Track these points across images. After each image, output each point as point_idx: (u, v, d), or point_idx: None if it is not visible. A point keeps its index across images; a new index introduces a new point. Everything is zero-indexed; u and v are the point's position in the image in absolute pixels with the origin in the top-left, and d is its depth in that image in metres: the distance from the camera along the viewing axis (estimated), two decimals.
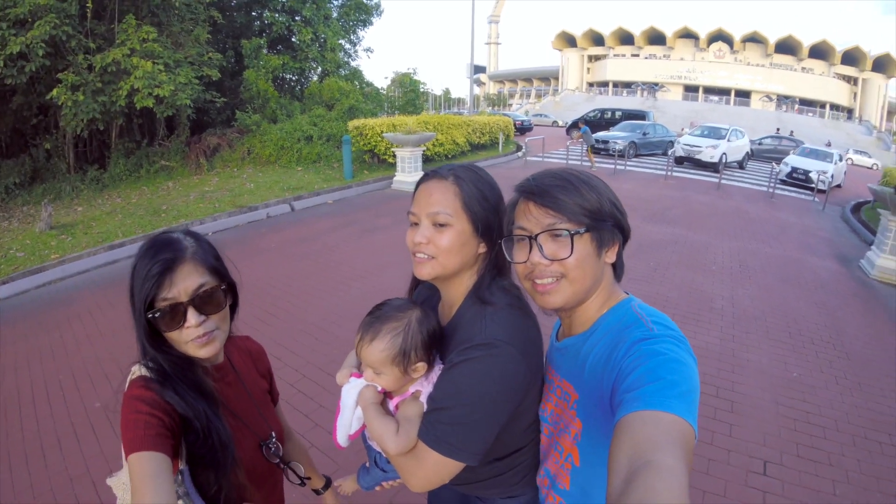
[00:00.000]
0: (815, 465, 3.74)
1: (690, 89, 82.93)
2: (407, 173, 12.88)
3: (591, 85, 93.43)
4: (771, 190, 15.70)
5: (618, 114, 29.52)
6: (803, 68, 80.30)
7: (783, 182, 17.76)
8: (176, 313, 1.18)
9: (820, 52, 79.45)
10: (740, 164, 21.51)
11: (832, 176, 16.83)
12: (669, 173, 17.43)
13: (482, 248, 1.32)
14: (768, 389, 4.69)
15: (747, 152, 22.43)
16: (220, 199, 10.28)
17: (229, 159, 14.67)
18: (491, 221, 1.30)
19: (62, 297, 6.36)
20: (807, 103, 77.77)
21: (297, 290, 6.30)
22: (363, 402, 1.29)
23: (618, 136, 20.94)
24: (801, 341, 5.74)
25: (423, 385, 1.28)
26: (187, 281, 1.19)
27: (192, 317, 1.19)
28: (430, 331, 1.29)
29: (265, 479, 1.46)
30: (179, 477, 1.16)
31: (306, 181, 12.47)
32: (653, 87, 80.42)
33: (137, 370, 1.23)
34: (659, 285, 6.98)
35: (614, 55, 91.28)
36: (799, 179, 17.67)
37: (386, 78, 62.98)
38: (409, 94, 20.37)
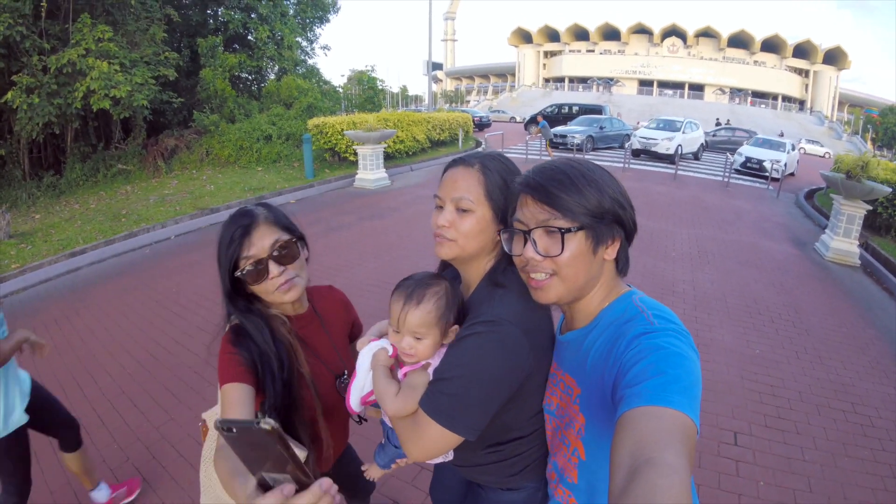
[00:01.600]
0: (784, 434, 3.89)
1: (645, 83, 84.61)
2: (368, 171, 12.78)
3: (547, 81, 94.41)
4: (726, 179, 16.12)
5: (575, 109, 29.93)
6: (756, 62, 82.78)
7: (738, 171, 18.22)
8: (259, 268, 1.41)
9: (772, 45, 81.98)
10: (695, 156, 21.99)
11: (785, 165, 17.33)
12: (627, 165, 17.72)
13: None
14: (734, 366, 4.83)
15: (702, 144, 22.97)
16: (181, 202, 10.05)
17: (188, 161, 14.35)
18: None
19: (25, 308, 6.03)
20: (759, 95, 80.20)
21: None
22: (375, 362, 1.32)
23: (575, 131, 21.24)
24: (762, 320, 5.92)
25: (434, 358, 1.30)
26: (264, 240, 1.42)
27: (274, 268, 1.42)
28: (461, 298, 1.35)
29: (337, 412, 1.66)
30: (264, 406, 1.41)
31: (267, 181, 12.30)
32: (608, 82, 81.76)
33: (233, 319, 1.50)
34: None
35: (570, 51, 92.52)
36: (753, 168, 18.12)
37: (343, 76, 62.52)
38: (367, 92, 20.29)
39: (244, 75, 19.04)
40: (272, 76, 19.64)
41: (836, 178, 8.60)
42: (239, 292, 1.48)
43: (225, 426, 0.69)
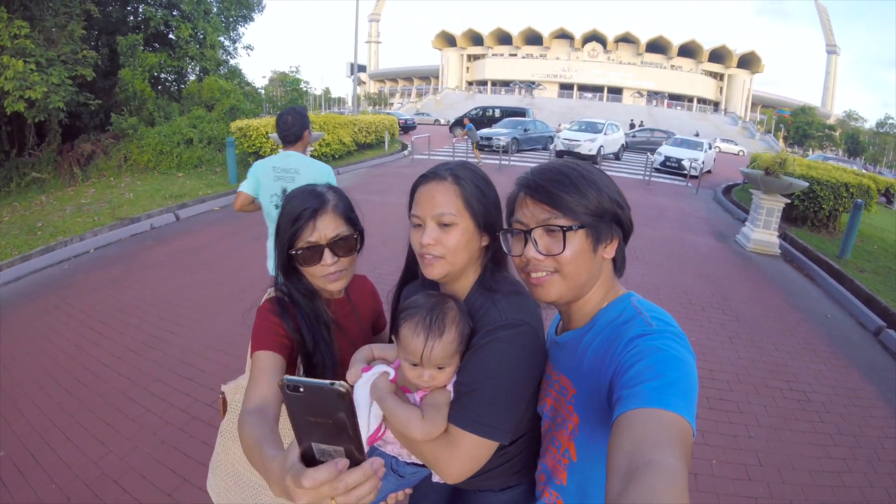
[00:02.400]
0: (727, 414, 4.13)
1: (566, 87, 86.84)
2: None
3: (470, 84, 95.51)
4: (647, 178, 16.88)
5: (498, 111, 30.54)
6: (672, 66, 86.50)
7: (657, 170, 19.11)
8: (314, 253, 1.44)
9: (689, 50, 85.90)
10: (616, 156, 22.86)
11: (703, 163, 18.37)
12: None
13: (485, 241, 1.37)
14: None
15: (623, 144, 23.92)
16: (99, 212, 9.41)
17: (105, 167, 13.51)
18: (491, 215, 1.34)
19: None
20: (676, 98, 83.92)
21: (195, 303, 5.89)
22: (379, 393, 1.25)
23: (500, 133, 21.58)
24: (693, 309, 6.22)
25: None
26: (327, 228, 1.45)
27: (328, 257, 1.45)
28: (471, 327, 1.31)
29: None
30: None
31: (189, 188, 11.73)
32: (530, 86, 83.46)
33: (270, 292, 1.56)
34: None
35: (493, 55, 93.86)
36: (672, 167, 19.01)
37: (265, 77, 60.98)
38: (291, 94, 19.95)
39: (164, 76, 18.14)
40: (193, 77, 18.88)
41: (756, 174, 9.15)
42: (288, 266, 1.52)
43: (292, 385, 0.68)
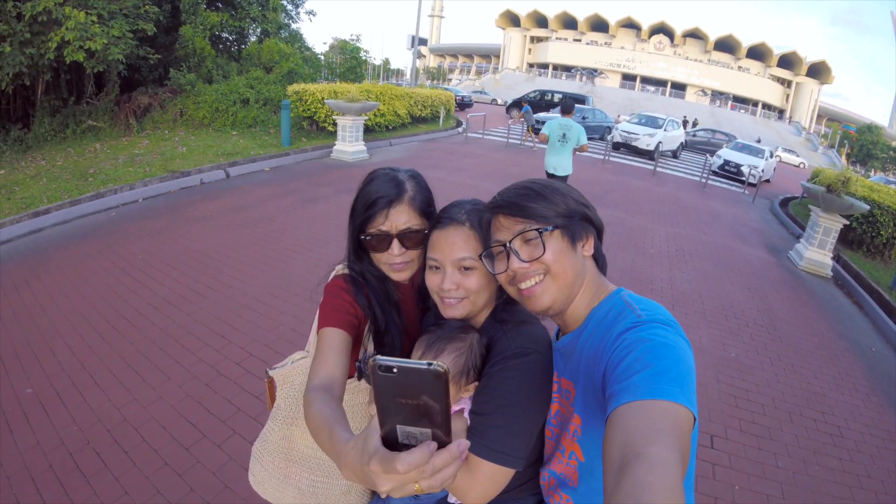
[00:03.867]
0: (758, 440, 3.93)
1: (628, 77, 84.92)
2: (347, 143, 12.52)
3: (531, 66, 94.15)
4: (704, 180, 16.24)
5: (557, 96, 29.79)
6: (740, 67, 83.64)
7: (715, 173, 18.42)
8: (383, 241, 1.42)
9: (758, 53, 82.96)
10: (674, 154, 22.17)
11: (762, 171, 17.58)
12: (607, 158, 17.78)
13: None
14: (710, 368, 4.85)
15: (682, 142, 23.17)
16: (151, 163, 9.60)
17: (160, 121, 13.73)
18: None
19: None
20: (740, 100, 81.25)
21: (236, 261, 5.93)
22: None
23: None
24: (738, 324, 5.95)
25: (465, 403, 1.31)
26: (400, 218, 1.41)
27: (396, 247, 1.42)
28: (483, 354, 1.36)
29: None
30: (361, 362, 1.47)
31: (242, 146, 11.87)
32: (592, 73, 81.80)
33: (341, 269, 1.54)
34: None
35: (557, 38, 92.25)
36: (731, 172, 18.32)
37: (325, 44, 61.29)
38: (350, 62, 19.80)
39: (225, 35, 18.35)
40: (254, 38, 19.01)
41: (817, 190, 8.69)
42: (359, 248, 1.52)
43: (384, 366, 0.68)
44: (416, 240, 1.44)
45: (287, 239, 6.72)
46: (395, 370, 0.67)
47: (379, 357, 0.68)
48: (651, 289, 6.50)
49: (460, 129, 20.17)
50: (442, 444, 0.71)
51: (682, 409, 0.85)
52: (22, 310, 4.63)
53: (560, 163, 7.85)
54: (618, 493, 0.72)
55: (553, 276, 1.18)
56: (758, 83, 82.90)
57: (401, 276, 1.49)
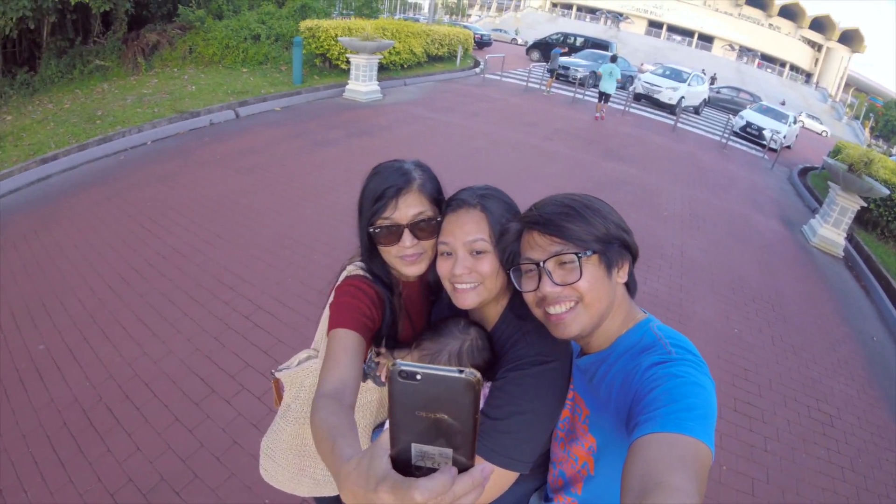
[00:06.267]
0: (750, 421, 3.99)
1: (655, 24, 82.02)
2: (361, 82, 12.24)
3: (554, 5, 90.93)
4: (724, 140, 15.86)
5: (580, 40, 28.78)
6: (770, 25, 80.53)
7: (736, 134, 17.88)
8: (393, 232, 1.36)
9: (790, 12, 79.67)
10: (696, 110, 21.62)
11: (784, 136, 17.01)
12: (627, 108, 17.41)
13: None
14: (712, 343, 4.88)
15: (705, 98, 22.52)
16: (160, 104, 9.41)
17: (169, 58, 13.38)
18: None
19: None
20: (768, 59, 78.57)
21: (245, 208, 5.89)
22: None
23: (580, 64, 20.38)
24: (744, 298, 5.94)
25: None
26: (410, 208, 1.35)
27: (407, 238, 1.36)
28: (486, 359, 1.32)
29: None
30: (371, 363, 1.46)
31: (252, 84, 11.63)
32: (617, 17, 79.12)
33: (353, 269, 1.47)
34: None
35: None
36: (752, 135, 17.82)
37: None
38: None
39: None
40: None
41: (839, 168, 8.53)
42: (371, 246, 1.45)
43: (406, 372, 0.58)
44: (429, 229, 1.39)
45: (296, 185, 6.67)
46: (418, 377, 0.58)
47: (400, 362, 0.59)
48: (661, 254, 6.47)
49: (478, 70, 19.61)
50: (463, 468, 0.61)
51: (702, 446, 0.86)
52: (32, 261, 4.64)
53: (608, 88, 14.71)
54: None
55: (586, 306, 1.15)
56: (788, 43, 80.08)
57: (413, 269, 1.42)
